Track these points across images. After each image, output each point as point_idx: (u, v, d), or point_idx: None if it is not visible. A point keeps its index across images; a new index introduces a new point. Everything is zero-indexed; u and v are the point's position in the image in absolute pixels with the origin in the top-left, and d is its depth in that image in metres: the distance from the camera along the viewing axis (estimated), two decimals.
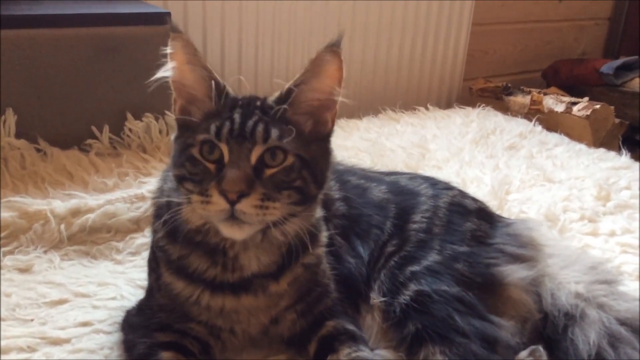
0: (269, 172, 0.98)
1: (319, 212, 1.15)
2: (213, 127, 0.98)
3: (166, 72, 1.03)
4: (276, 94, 1.04)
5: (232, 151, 0.97)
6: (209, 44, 2.45)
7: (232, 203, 0.93)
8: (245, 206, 0.94)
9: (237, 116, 0.99)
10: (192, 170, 0.98)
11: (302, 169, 1.00)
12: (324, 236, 1.17)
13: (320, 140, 1.06)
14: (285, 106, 1.01)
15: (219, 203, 0.94)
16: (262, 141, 0.97)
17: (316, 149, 1.04)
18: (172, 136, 1.08)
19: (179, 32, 1.00)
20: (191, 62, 1.02)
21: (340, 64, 1.01)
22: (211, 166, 0.97)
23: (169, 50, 1.01)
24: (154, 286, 1.16)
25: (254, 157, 0.97)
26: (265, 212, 0.96)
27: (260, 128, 0.98)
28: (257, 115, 1.00)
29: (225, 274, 1.06)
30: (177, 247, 1.07)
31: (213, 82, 1.02)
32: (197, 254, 1.06)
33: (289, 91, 1.02)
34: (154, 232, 1.16)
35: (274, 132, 0.98)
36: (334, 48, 0.99)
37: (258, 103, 1.03)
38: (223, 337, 1.12)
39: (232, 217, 0.95)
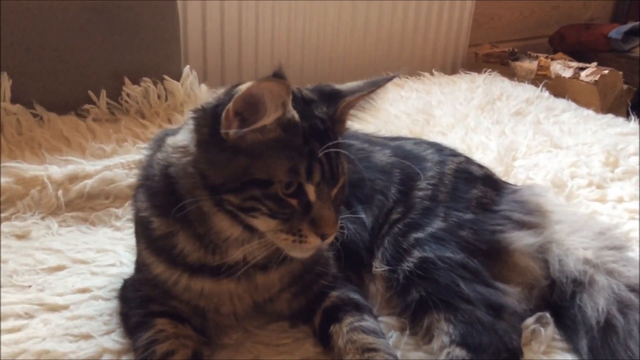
0: (333, 194, 0.99)
1: None
2: (302, 171, 0.92)
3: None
4: (325, 108, 0.99)
5: (320, 192, 0.95)
6: (209, 39, 2.42)
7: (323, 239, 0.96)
8: (330, 239, 0.97)
9: (321, 156, 0.94)
10: (275, 209, 0.92)
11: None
12: None
13: None
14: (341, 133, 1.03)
15: (314, 242, 0.95)
16: (342, 177, 0.99)
17: None
18: (200, 128, 0.95)
19: (283, 79, 0.91)
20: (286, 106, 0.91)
21: None
22: (294, 201, 0.93)
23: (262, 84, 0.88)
24: (139, 260, 1.14)
25: (334, 192, 0.98)
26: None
27: (341, 165, 0.98)
28: (333, 148, 0.95)
29: (206, 256, 1.01)
30: (163, 222, 1.02)
31: (289, 117, 0.93)
32: (185, 234, 1.00)
33: (343, 110, 1.01)
34: (136, 202, 1.10)
35: (346, 164, 1.00)
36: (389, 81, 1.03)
37: (321, 125, 0.96)
38: (209, 316, 1.08)
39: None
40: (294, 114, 0.93)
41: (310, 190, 0.94)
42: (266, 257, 1.02)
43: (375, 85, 1.01)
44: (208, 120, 0.94)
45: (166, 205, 1.00)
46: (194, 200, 0.95)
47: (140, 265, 1.13)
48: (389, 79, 1.03)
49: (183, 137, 0.99)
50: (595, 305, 1.10)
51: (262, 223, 0.94)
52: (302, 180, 0.92)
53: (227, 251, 1.00)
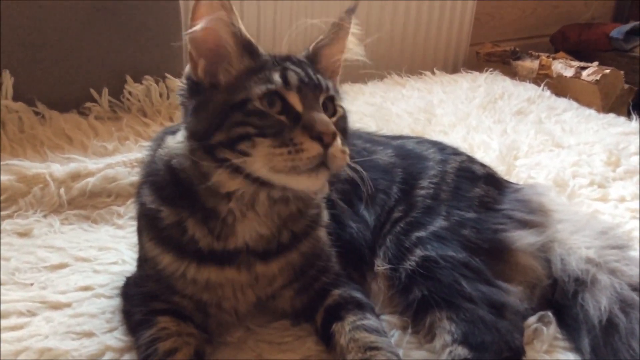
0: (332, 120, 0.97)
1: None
2: (277, 78, 0.93)
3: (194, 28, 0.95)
4: (303, 53, 1.05)
5: (305, 99, 0.94)
6: None
7: (326, 147, 0.89)
8: (336, 149, 0.91)
9: (293, 67, 0.97)
10: (261, 123, 0.91)
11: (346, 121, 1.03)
12: (325, 215, 1.15)
13: None
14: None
15: (313, 148, 0.89)
16: (325, 89, 0.98)
17: None
18: (184, 101, 1.01)
19: None
20: (225, 18, 0.96)
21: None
22: (282, 118, 0.92)
23: (200, 5, 0.94)
24: (142, 256, 1.14)
25: (334, 120, 0.97)
26: (344, 156, 0.94)
27: (320, 76, 0.98)
28: (308, 66, 1.00)
29: (213, 242, 1.02)
30: (172, 211, 1.02)
31: (246, 39, 0.98)
32: (194, 220, 1.01)
33: (316, 50, 1.06)
34: (140, 197, 1.10)
35: (328, 82, 1.00)
36: (351, 14, 1.07)
37: (295, 59, 1.01)
38: (211, 312, 1.08)
39: (320, 165, 0.90)
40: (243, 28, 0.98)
41: (294, 99, 0.94)
42: (267, 241, 1.03)
43: (341, 20, 1.08)
44: (188, 88, 0.99)
45: (173, 195, 1.02)
46: (195, 162, 0.95)
47: (142, 261, 1.13)
48: (351, 12, 1.10)
49: (182, 132, 1.02)
50: (598, 304, 1.09)
51: (257, 155, 0.91)
52: (279, 87, 0.93)
53: (234, 231, 1.01)
